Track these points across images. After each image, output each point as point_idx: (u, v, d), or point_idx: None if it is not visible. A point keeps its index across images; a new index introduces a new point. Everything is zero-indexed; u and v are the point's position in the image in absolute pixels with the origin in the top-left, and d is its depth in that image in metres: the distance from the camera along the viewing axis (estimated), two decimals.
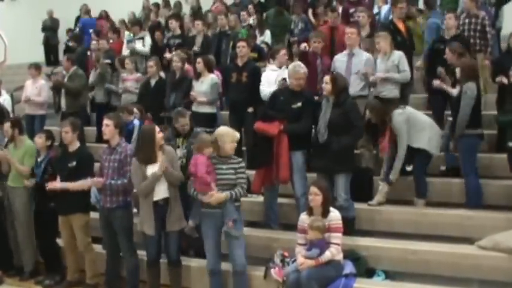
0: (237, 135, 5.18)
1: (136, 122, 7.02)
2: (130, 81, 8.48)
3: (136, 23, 10.56)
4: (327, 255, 4.75)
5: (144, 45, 9.85)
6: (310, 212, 4.91)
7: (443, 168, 6.49)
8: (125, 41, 10.45)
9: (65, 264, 6.07)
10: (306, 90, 5.96)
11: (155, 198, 5.20)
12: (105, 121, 5.50)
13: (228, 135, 5.08)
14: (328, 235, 4.80)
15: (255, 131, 5.84)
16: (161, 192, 5.19)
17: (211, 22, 10.31)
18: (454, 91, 6.14)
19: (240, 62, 7.24)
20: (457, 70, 5.90)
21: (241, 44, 7.25)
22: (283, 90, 6.11)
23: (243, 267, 5.10)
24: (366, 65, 6.55)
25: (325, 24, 8.60)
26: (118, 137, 5.50)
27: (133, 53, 9.61)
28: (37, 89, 8.84)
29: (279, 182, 5.83)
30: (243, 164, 5.17)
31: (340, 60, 6.73)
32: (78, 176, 5.57)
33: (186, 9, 12.57)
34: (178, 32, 9.63)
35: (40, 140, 6.11)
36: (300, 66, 5.92)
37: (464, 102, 5.69)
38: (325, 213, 4.84)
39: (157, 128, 5.28)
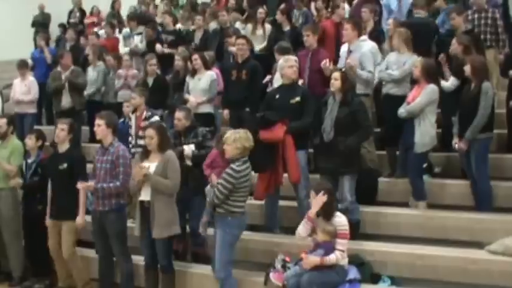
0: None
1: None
2: (127, 77, 8.50)
3: (132, 18, 10.51)
4: (332, 257, 4.73)
5: (142, 40, 9.86)
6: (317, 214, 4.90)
7: (437, 170, 6.49)
8: (120, 37, 10.44)
9: (54, 268, 6.04)
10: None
11: (140, 198, 5.22)
12: (97, 121, 5.50)
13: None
14: (334, 241, 4.79)
15: (259, 138, 5.76)
16: (146, 193, 5.18)
17: (209, 16, 10.34)
18: (447, 84, 6.18)
19: (239, 59, 7.24)
20: (467, 67, 5.87)
21: (240, 41, 7.29)
22: (279, 88, 6.12)
23: None
24: (360, 60, 6.47)
25: (328, 19, 8.60)
26: (111, 137, 5.48)
27: (133, 52, 9.62)
28: (26, 86, 8.80)
29: (291, 183, 5.81)
30: None
31: (342, 56, 6.74)
32: (70, 178, 5.55)
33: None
34: (171, 27, 9.62)
35: (30, 141, 6.08)
36: (284, 59, 6.02)
37: (485, 103, 5.62)
38: (328, 216, 4.83)
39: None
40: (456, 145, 5.84)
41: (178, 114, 5.87)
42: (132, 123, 6.75)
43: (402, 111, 5.92)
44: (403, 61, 6.36)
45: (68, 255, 5.74)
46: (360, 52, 6.53)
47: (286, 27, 9.07)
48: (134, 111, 6.84)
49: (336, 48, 7.61)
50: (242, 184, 4.93)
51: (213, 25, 9.96)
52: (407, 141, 5.93)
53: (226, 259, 5.02)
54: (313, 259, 4.73)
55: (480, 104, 5.62)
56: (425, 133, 5.78)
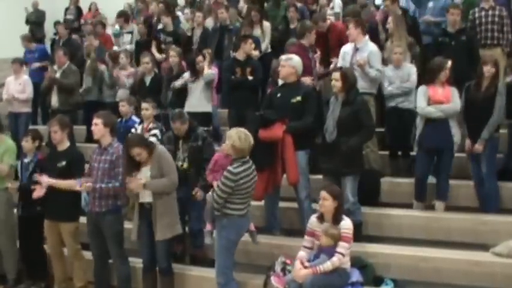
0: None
1: (135, 119, 7.00)
2: (124, 76, 8.47)
3: (121, 15, 10.43)
4: (327, 265, 4.69)
5: (132, 41, 9.83)
6: (322, 217, 4.89)
7: None
8: (111, 34, 10.41)
9: (50, 271, 6.04)
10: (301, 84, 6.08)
11: (140, 200, 5.20)
12: (94, 120, 5.48)
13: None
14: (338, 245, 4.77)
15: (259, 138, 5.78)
16: (147, 195, 5.16)
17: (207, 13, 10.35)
18: None
19: (241, 57, 7.24)
20: (489, 67, 5.75)
21: (251, 41, 7.43)
22: (280, 87, 6.13)
23: None
24: (368, 58, 6.49)
25: None
26: (109, 137, 5.46)
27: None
28: (21, 85, 8.77)
29: (289, 184, 5.81)
30: None
31: (347, 53, 6.69)
32: (68, 177, 5.52)
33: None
34: (170, 28, 9.56)
35: (27, 143, 6.03)
36: (281, 57, 6.08)
37: (502, 103, 5.71)
38: (336, 220, 4.80)
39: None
40: (467, 146, 5.87)
41: (175, 125, 5.78)
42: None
43: (433, 110, 5.78)
44: (406, 73, 6.53)
45: (73, 253, 5.74)
46: (367, 51, 6.55)
47: (294, 24, 9.03)
48: (141, 122, 6.79)
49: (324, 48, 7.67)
50: (240, 186, 4.86)
51: (209, 22, 9.96)
52: (441, 144, 5.79)
53: (223, 264, 4.98)
54: (304, 272, 4.71)
55: (496, 104, 5.70)
56: (458, 132, 5.83)
